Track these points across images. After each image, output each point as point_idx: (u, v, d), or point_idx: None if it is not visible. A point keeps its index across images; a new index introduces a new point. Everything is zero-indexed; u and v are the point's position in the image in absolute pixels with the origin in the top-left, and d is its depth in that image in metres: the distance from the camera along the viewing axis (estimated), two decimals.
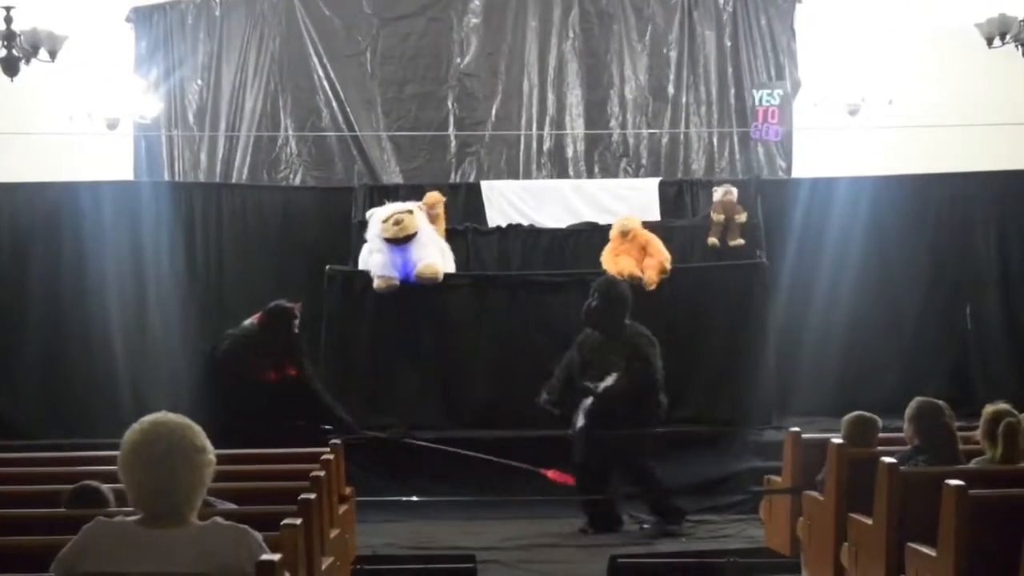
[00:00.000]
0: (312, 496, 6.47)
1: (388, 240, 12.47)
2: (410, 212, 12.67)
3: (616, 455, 10.93)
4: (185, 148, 16.55)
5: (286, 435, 10.50)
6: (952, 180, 14.11)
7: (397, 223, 12.52)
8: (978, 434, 7.48)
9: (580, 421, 10.95)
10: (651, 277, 12.53)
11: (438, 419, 12.52)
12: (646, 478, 11.11)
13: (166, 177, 16.15)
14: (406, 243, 12.48)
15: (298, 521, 5.49)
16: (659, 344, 11.21)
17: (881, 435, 8.89)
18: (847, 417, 8.45)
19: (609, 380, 10.88)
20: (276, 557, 4.31)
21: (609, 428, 10.82)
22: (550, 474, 10.99)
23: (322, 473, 7.40)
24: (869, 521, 7.24)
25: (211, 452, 4.36)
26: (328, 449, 8.48)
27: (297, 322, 12.07)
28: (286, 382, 11.89)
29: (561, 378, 11.31)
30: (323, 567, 6.85)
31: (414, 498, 11.41)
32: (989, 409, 7.41)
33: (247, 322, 12.26)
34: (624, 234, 12.77)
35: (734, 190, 13.68)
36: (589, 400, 10.89)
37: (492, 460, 11.19)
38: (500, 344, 12.79)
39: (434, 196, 13.48)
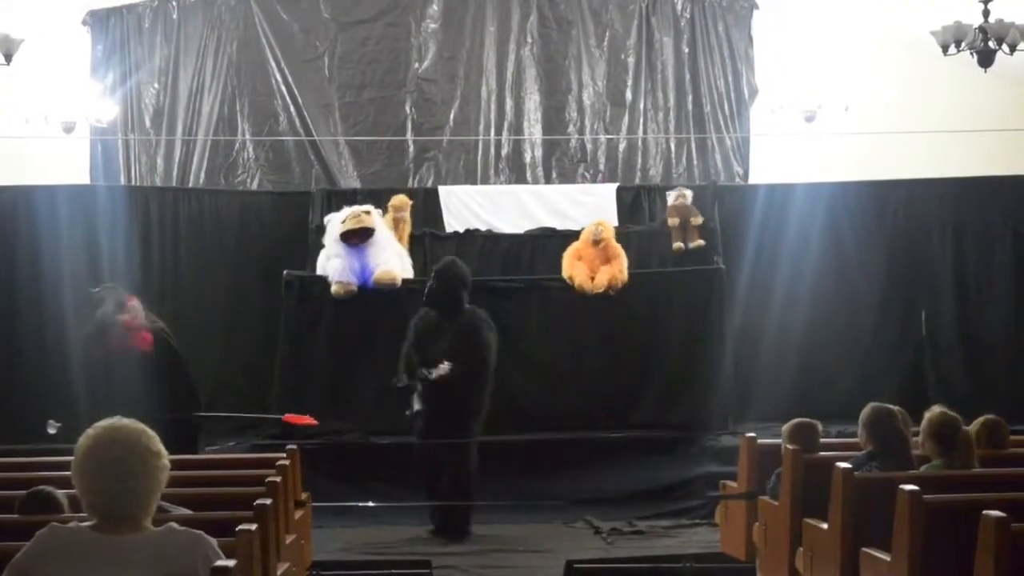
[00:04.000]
0: (268, 501, 6.45)
1: (345, 235, 12.42)
2: (368, 212, 12.66)
3: (445, 453, 10.99)
4: (142, 152, 16.48)
5: None
6: (908, 187, 14.20)
7: (354, 217, 12.51)
8: (920, 438, 7.53)
9: (416, 405, 10.99)
10: (599, 281, 12.55)
11: (395, 424, 12.49)
12: (461, 483, 11.08)
13: (122, 181, 16.09)
14: (364, 242, 12.45)
15: (253, 526, 5.46)
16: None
17: (836, 440, 8.95)
18: (788, 425, 8.47)
19: (444, 368, 10.81)
20: (231, 563, 4.30)
21: (441, 419, 10.90)
22: (289, 418, 11.00)
23: (278, 478, 7.38)
24: (824, 526, 7.27)
25: (166, 457, 4.35)
26: (285, 454, 8.45)
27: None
28: None
29: (405, 363, 11.22)
30: (279, 573, 6.84)
31: (371, 504, 11.42)
32: (935, 414, 7.45)
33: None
34: (596, 242, 12.77)
35: (688, 193, 13.72)
36: (420, 387, 10.93)
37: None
38: None
39: (401, 199, 13.50)
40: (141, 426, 4.34)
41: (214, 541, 4.34)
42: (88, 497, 4.27)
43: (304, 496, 8.86)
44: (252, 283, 13.93)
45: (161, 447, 4.35)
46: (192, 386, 11.63)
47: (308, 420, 11.16)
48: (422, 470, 11.15)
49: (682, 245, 13.52)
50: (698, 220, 13.57)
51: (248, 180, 16.18)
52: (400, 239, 13.20)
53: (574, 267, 12.69)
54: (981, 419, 8.14)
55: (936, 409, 7.53)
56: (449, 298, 11.15)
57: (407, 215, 13.40)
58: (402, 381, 11.07)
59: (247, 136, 16.30)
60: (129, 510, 4.24)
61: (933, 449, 7.38)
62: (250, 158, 16.30)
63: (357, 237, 12.43)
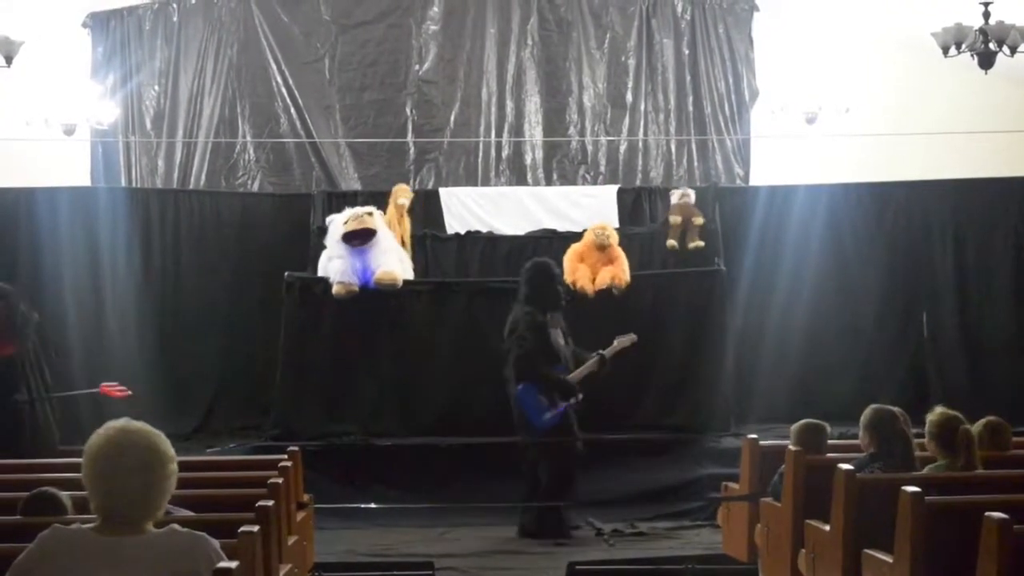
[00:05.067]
0: (270, 503, 6.46)
1: (347, 236, 12.43)
2: (370, 213, 12.67)
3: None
4: (142, 154, 16.48)
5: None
6: (908, 188, 14.20)
7: (356, 218, 12.53)
8: (925, 440, 7.52)
9: (548, 403, 11.01)
10: (601, 279, 12.59)
11: (396, 426, 12.52)
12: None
13: (123, 183, 16.09)
14: (365, 244, 12.46)
15: (255, 528, 5.46)
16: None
17: (838, 442, 8.93)
18: (796, 425, 8.47)
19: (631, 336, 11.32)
20: (233, 564, 4.29)
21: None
22: (105, 389, 11.02)
23: (280, 480, 7.38)
24: (826, 528, 7.26)
25: (175, 460, 4.34)
26: (286, 456, 8.45)
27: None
28: None
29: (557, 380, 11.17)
30: (281, 574, 6.84)
31: (372, 505, 11.42)
32: (936, 415, 7.44)
33: None
34: (602, 248, 12.77)
35: (691, 192, 13.77)
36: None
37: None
38: (458, 351, 12.77)
39: (402, 187, 13.57)
40: (152, 429, 4.33)
41: (216, 543, 4.33)
42: (99, 499, 4.25)
43: (306, 498, 8.86)
44: (253, 284, 13.94)
45: (172, 451, 4.35)
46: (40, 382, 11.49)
47: (122, 393, 11.17)
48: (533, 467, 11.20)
49: (675, 243, 13.53)
50: (700, 220, 13.60)
51: (249, 182, 16.19)
52: (402, 234, 13.23)
53: (576, 270, 12.69)
54: (983, 420, 8.12)
55: (938, 409, 7.52)
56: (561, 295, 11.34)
57: (407, 202, 13.44)
58: (578, 395, 11.12)
59: (248, 138, 16.31)
60: (141, 513, 4.24)
61: (936, 450, 7.38)
62: (251, 160, 16.30)
63: (359, 238, 12.44)
